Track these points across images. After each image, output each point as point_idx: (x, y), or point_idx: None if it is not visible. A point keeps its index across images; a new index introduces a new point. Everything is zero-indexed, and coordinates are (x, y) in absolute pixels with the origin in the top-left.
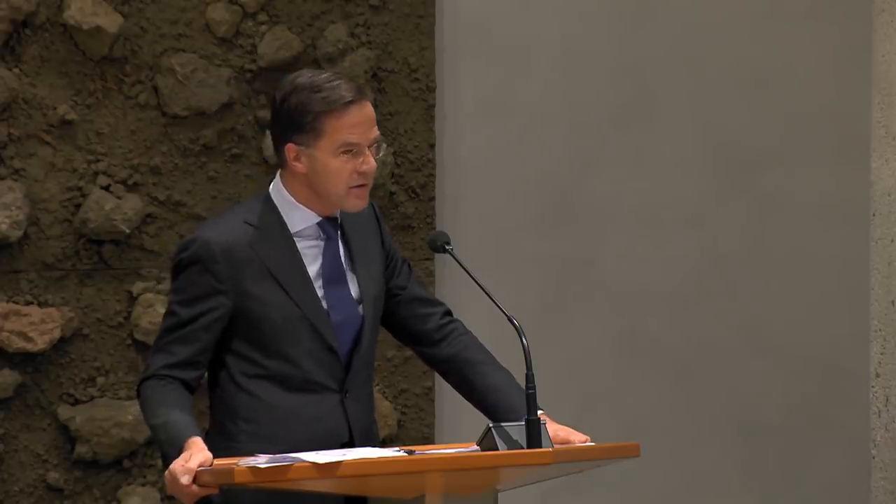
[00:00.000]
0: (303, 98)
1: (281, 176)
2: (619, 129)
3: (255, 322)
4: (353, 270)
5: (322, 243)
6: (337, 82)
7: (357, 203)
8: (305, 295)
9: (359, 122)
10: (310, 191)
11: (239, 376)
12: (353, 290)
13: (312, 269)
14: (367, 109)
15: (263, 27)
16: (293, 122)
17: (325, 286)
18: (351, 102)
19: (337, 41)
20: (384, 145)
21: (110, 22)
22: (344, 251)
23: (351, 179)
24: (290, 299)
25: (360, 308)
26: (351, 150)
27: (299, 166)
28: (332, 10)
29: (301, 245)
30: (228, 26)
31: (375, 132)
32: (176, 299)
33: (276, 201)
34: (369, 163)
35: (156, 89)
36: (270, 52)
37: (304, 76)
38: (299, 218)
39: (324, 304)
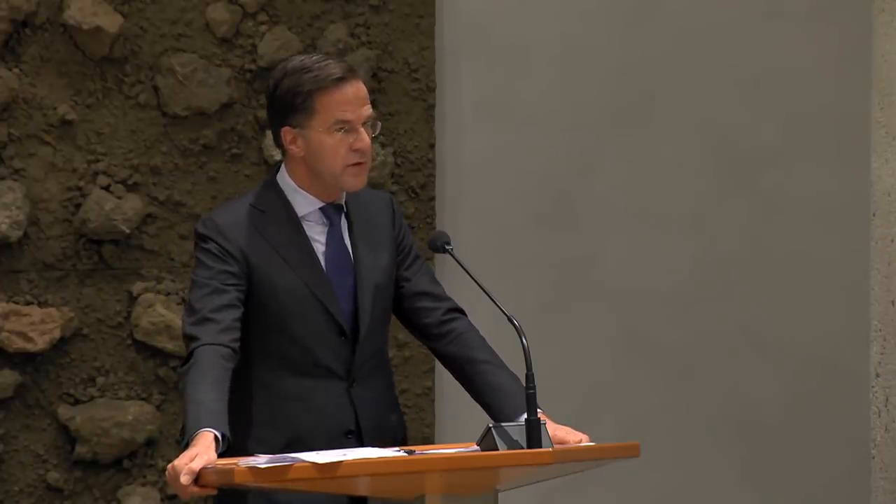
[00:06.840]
0: (294, 80)
1: (284, 163)
2: (619, 129)
3: (264, 303)
4: (357, 258)
5: (326, 229)
6: (326, 62)
7: (354, 182)
8: (314, 276)
9: (350, 99)
10: (310, 175)
11: (247, 359)
12: (355, 277)
13: (319, 254)
14: (358, 87)
15: (263, 27)
16: (286, 104)
17: (329, 271)
18: (341, 79)
19: (337, 41)
20: (379, 124)
21: (110, 22)
22: (349, 238)
23: (347, 157)
24: (300, 280)
25: (359, 295)
26: (344, 127)
27: (296, 149)
28: (332, 10)
29: (308, 231)
30: (228, 26)
31: (368, 110)
32: (199, 273)
33: (281, 186)
34: (363, 140)
35: (156, 89)
36: (270, 52)
37: (295, 60)
38: (303, 203)
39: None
